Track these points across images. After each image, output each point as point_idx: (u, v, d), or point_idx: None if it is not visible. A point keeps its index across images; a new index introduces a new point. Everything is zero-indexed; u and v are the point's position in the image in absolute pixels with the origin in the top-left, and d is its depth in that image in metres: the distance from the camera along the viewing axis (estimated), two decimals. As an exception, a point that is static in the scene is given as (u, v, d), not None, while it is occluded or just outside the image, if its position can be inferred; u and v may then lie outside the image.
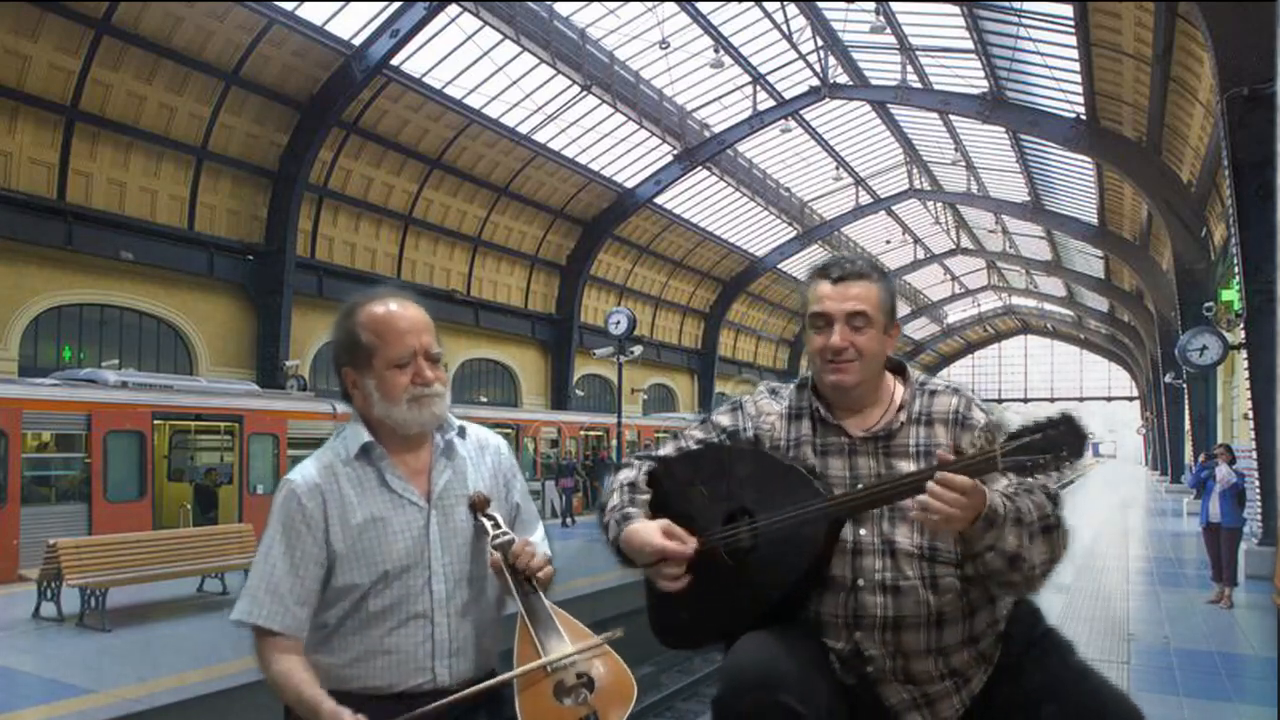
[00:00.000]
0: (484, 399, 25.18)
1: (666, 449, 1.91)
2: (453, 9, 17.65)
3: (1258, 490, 10.95)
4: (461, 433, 1.87)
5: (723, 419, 1.89)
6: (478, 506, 1.78)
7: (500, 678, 1.69)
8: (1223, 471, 9.68)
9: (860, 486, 1.68)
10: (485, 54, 19.73)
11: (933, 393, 1.79)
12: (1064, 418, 1.50)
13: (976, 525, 1.52)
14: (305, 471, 1.75)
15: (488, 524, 1.77)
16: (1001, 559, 1.55)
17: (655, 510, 1.79)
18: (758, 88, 24.68)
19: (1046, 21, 17.72)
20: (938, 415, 1.75)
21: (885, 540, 1.66)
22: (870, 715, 1.66)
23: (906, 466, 1.69)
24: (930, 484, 1.50)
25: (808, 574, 1.67)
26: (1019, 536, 1.55)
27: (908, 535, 1.66)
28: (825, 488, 1.69)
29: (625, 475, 1.85)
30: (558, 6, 20.39)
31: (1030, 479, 1.59)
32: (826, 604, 1.68)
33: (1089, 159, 22.14)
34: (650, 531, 1.69)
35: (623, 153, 25.38)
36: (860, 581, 1.66)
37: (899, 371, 1.84)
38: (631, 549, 1.71)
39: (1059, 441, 1.48)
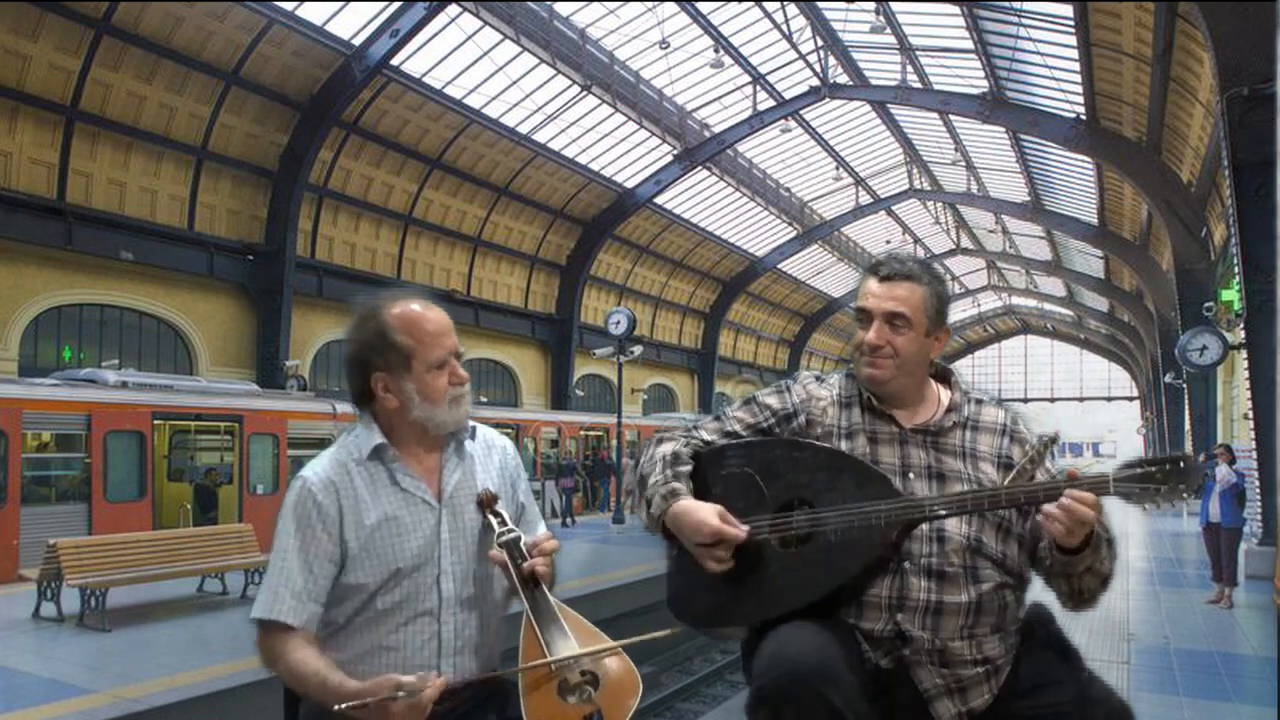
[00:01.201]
0: (484, 399, 25.17)
1: (708, 429, 1.91)
2: (453, 9, 17.64)
3: (1258, 490, 10.96)
4: (472, 433, 1.89)
5: (770, 400, 1.90)
6: (485, 503, 1.79)
7: (504, 670, 1.70)
8: (1223, 471, 9.69)
9: (933, 490, 1.72)
10: (485, 54, 19.73)
11: (979, 402, 1.86)
12: (1182, 455, 1.61)
13: (1087, 550, 1.63)
14: (319, 468, 1.75)
15: (494, 521, 1.78)
16: (1096, 579, 1.68)
17: (696, 488, 1.80)
18: (758, 88, 24.67)
19: (1046, 21, 17.71)
20: (986, 424, 1.81)
21: (934, 526, 1.70)
22: (903, 700, 1.68)
23: (955, 464, 1.75)
24: (1073, 493, 1.58)
25: (871, 569, 1.68)
26: (1108, 556, 1.68)
27: (955, 524, 1.70)
28: (902, 488, 1.71)
29: (666, 448, 1.85)
30: (558, 6, 20.38)
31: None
32: (871, 585, 1.70)
33: (1089, 159, 22.12)
34: (706, 512, 1.71)
35: (623, 153, 25.37)
36: (907, 564, 1.69)
37: (944, 378, 1.88)
38: (682, 526, 1.73)
39: (1176, 476, 1.58)
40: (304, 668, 1.63)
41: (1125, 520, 19.08)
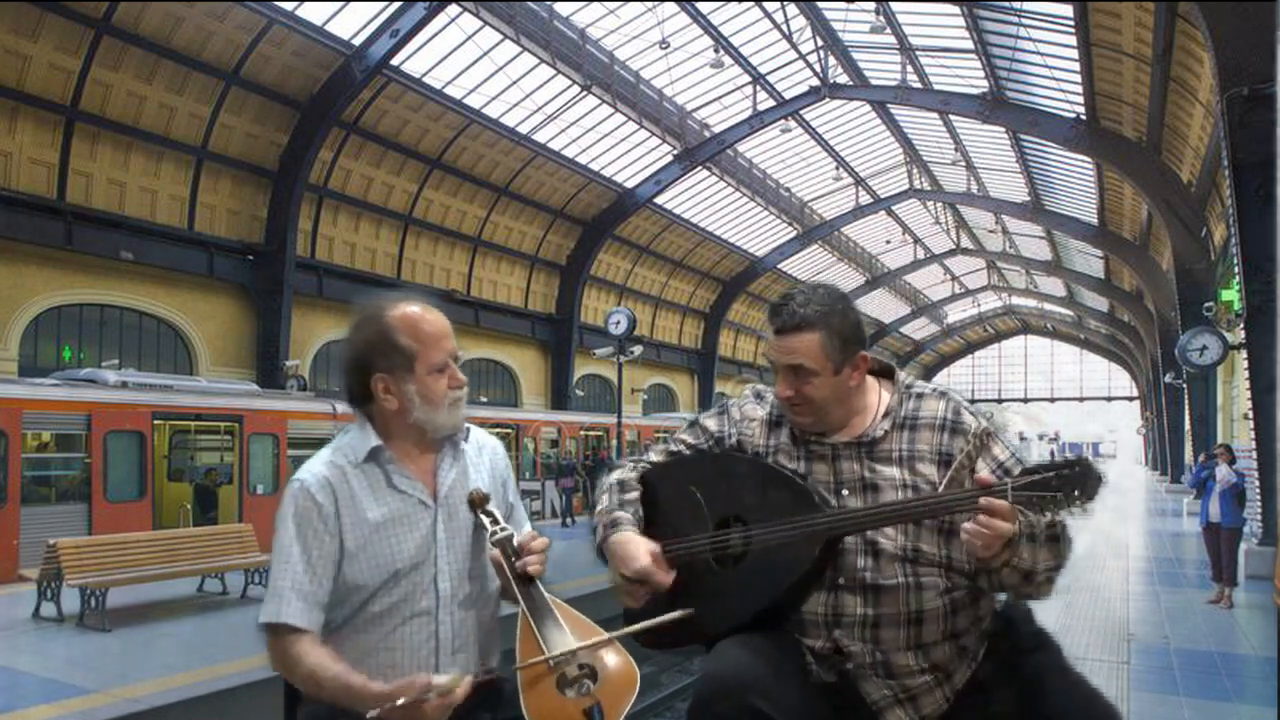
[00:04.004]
0: (484, 399, 25.18)
1: (656, 451, 1.93)
2: (453, 9, 17.64)
3: (1258, 490, 10.95)
4: (465, 434, 1.89)
5: (709, 423, 1.91)
6: (477, 503, 1.80)
7: (502, 670, 1.71)
8: (1223, 471, 9.68)
9: (866, 502, 1.69)
10: (485, 54, 19.73)
11: (919, 396, 1.78)
12: (1080, 460, 1.53)
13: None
14: (315, 470, 1.75)
15: (486, 520, 1.78)
16: (1016, 575, 1.59)
17: (645, 509, 1.82)
18: (758, 88, 24.67)
19: (1046, 21, 17.72)
20: (924, 420, 1.75)
21: (868, 541, 1.67)
22: (853, 712, 1.67)
23: (890, 471, 1.71)
24: (981, 512, 1.52)
25: (799, 585, 1.68)
26: (1032, 552, 1.58)
27: (890, 537, 1.67)
28: (824, 501, 1.69)
29: (616, 475, 1.89)
30: (558, 6, 20.38)
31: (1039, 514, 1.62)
32: (807, 603, 1.69)
33: (1089, 159, 22.13)
34: (640, 548, 1.71)
35: (623, 153, 25.37)
36: (841, 580, 1.68)
37: (887, 375, 1.84)
38: (615, 557, 1.74)
39: (1072, 482, 1.50)
40: (324, 672, 1.63)
41: (1126, 519, 19.09)
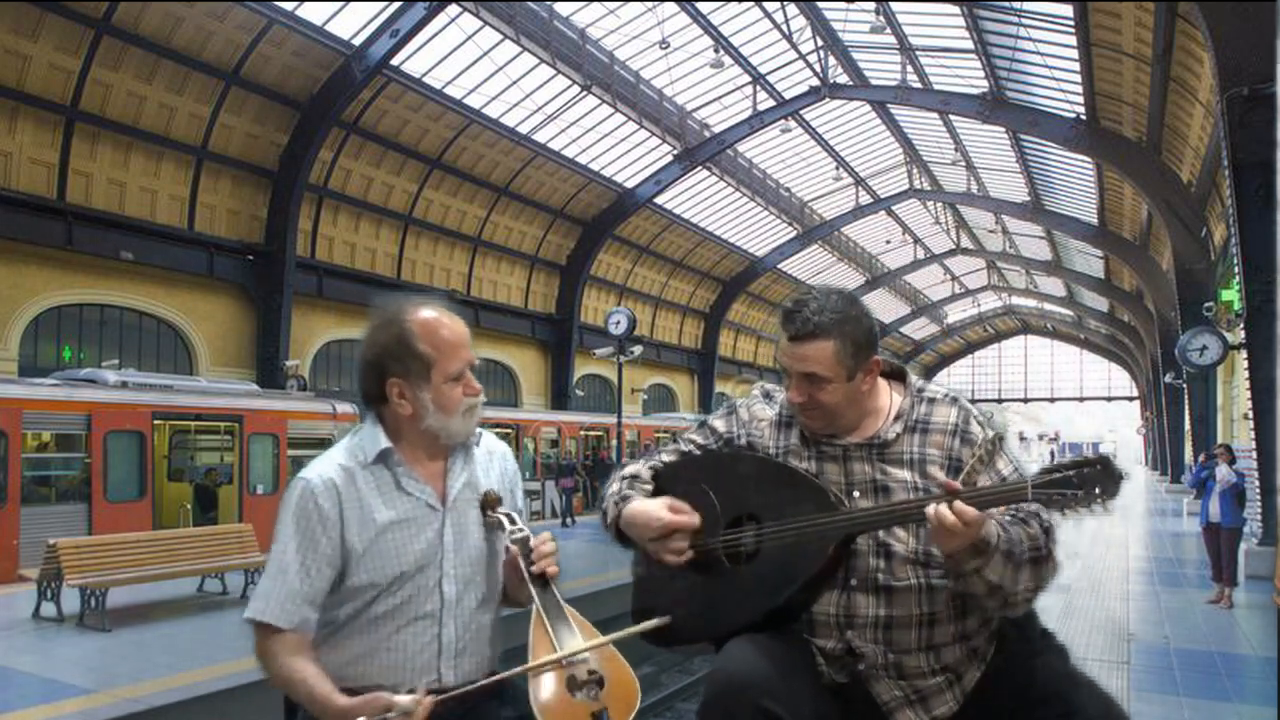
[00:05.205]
0: (484, 399, 25.18)
1: (666, 451, 1.93)
2: (453, 9, 17.64)
3: (1258, 490, 10.96)
4: (477, 438, 1.89)
5: (718, 424, 1.91)
6: (490, 504, 1.80)
7: (517, 669, 1.70)
8: (1223, 471, 9.69)
9: (878, 503, 1.69)
10: (485, 54, 19.73)
11: (931, 400, 1.78)
12: (1101, 458, 1.51)
13: (965, 550, 1.55)
14: (321, 470, 1.74)
15: (505, 520, 1.79)
16: (983, 584, 1.58)
17: None
18: (758, 88, 24.67)
19: (1046, 21, 17.72)
20: (936, 425, 1.75)
21: (880, 543, 1.68)
22: (863, 713, 1.67)
23: (901, 474, 1.71)
24: (941, 507, 1.52)
25: (812, 584, 1.68)
26: (1004, 568, 1.57)
27: (902, 539, 1.67)
28: (839, 500, 1.69)
29: (628, 469, 1.89)
30: (558, 6, 20.39)
31: (1045, 513, 1.61)
32: (819, 603, 1.69)
33: (1089, 159, 22.14)
34: (654, 505, 1.72)
35: (623, 153, 25.37)
36: (854, 581, 1.68)
37: (898, 377, 1.84)
38: (634, 525, 1.74)
39: (1093, 480, 1.49)
40: (293, 675, 1.63)
41: (1126, 519, 19.09)
